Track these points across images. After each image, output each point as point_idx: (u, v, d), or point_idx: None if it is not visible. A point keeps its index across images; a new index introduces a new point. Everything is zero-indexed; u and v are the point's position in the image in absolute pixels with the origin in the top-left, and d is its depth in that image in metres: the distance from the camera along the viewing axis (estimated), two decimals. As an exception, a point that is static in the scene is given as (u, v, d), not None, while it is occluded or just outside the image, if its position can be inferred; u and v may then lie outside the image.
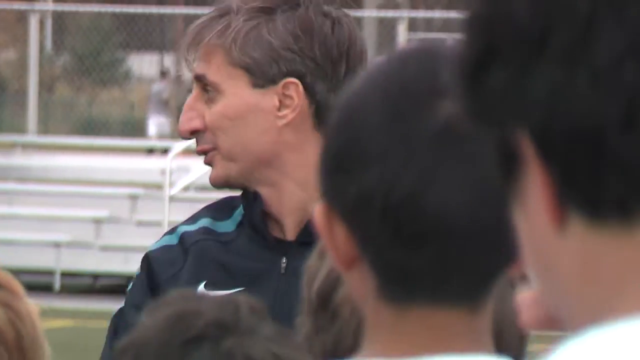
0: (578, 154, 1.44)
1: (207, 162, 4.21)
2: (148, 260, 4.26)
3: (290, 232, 4.16)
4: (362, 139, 2.21)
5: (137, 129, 36.62)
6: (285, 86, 4.06)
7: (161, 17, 44.31)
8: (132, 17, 39.45)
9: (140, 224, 25.80)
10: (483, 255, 2.20)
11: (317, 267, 2.93)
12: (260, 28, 4.02)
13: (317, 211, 2.24)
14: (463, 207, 2.15)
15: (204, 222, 4.24)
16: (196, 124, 4.09)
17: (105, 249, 24.98)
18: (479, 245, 2.18)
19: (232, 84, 4.00)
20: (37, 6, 37.70)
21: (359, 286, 2.26)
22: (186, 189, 26.80)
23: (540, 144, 1.46)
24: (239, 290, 3.56)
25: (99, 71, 37.84)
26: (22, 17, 32.80)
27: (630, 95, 1.41)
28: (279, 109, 4.08)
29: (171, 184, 25.34)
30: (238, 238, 4.08)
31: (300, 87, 4.06)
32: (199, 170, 27.40)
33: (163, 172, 25.68)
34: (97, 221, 25.91)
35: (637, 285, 1.46)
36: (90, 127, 33.78)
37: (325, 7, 4.09)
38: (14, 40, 32.67)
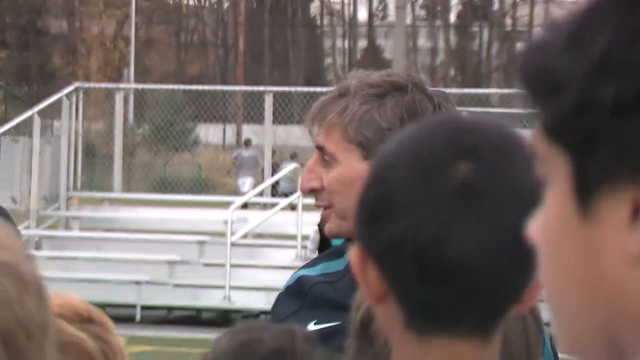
0: None
1: (324, 217, 3.96)
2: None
3: None
4: (393, 193, 2.18)
5: (203, 186, 36.18)
6: None
7: (224, 93, 44.02)
8: (200, 94, 39.07)
9: (207, 265, 25.29)
10: (495, 294, 2.18)
11: (362, 299, 2.75)
12: (373, 112, 3.87)
13: (353, 254, 2.21)
14: (479, 253, 2.12)
15: (321, 267, 4.08)
16: (315, 184, 3.94)
17: (177, 286, 24.61)
18: (492, 285, 2.16)
19: (347, 156, 3.90)
20: (122, 85, 37.64)
21: (387, 319, 2.23)
22: (245, 236, 26.22)
23: None
24: (338, 324, 3.45)
25: (172, 139, 37.35)
26: (109, 95, 32.49)
27: None
28: None
29: (232, 232, 25.01)
30: (345, 277, 3.83)
31: None
32: (255, 220, 26.96)
33: (225, 222, 25.39)
34: (171, 263, 25.48)
35: None
36: (165, 185, 33.31)
37: (429, 91, 3.99)
38: (103, 114, 32.34)
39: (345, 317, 3.21)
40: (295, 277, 4.03)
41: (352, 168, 3.85)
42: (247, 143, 41.61)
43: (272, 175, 29.15)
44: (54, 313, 2.46)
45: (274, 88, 34.44)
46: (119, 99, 31.33)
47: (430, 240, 2.10)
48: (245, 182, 36.74)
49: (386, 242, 2.14)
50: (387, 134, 3.76)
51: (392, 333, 2.22)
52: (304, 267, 4.14)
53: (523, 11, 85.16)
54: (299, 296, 3.92)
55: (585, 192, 1.50)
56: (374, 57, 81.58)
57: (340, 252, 3.98)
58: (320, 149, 3.88)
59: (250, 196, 28.03)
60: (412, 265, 2.12)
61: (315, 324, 3.71)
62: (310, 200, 22.30)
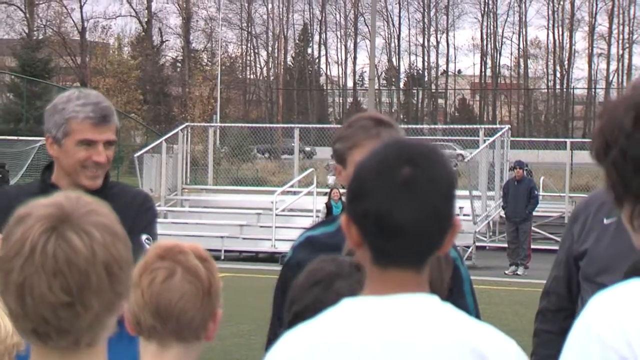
0: None
1: None
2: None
3: None
4: (363, 183, 2.16)
5: (259, 181, 35.84)
6: None
7: (270, 129, 43.99)
8: (257, 129, 39.08)
9: (262, 227, 24.79)
10: (423, 244, 2.15)
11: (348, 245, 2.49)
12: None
13: (343, 218, 2.20)
14: (413, 221, 2.10)
15: (320, 229, 3.71)
16: None
17: (245, 239, 24.18)
18: (420, 239, 2.13)
19: None
20: (213, 124, 37.52)
21: (362, 257, 2.19)
22: (283, 210, 26.07)
23: None
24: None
25: (241, 155, 37.40)
26: (205, 130, 32.47)
27: None
28: None
29: (276, 208, 24.99)
30: (338, 234, 3.29)
31: None
32: (289, 201, 26.80)
33: (272, 202, 25.11)
34: (241, 226, 24.96)
35: None
36: (237, 181, 32.98)
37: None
38: (201, 141, 32.16)
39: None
40: (305, 236, 3.70)
41: None
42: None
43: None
44: (187, 250, 2.51)
45: (300, 125, 34.40)
46: (211, 132, 31.46)
47: (384, 213, 2.11)
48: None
49: (360, 213, 2.15)
50: None
51: (365, 266, 2.20)
52: (309, 229, 3.80)
53: (442, 80, 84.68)
54: (310, 248, 3.54)
55: None
56: (356, 108, 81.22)
57: (332, 220, 3.73)
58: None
59: (287, 187, 27.92)
60: (373, 227, 2.13)
61: None
62: (320, 190, 21.93)
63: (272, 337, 3.48)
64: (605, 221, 3.58)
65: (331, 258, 2.66)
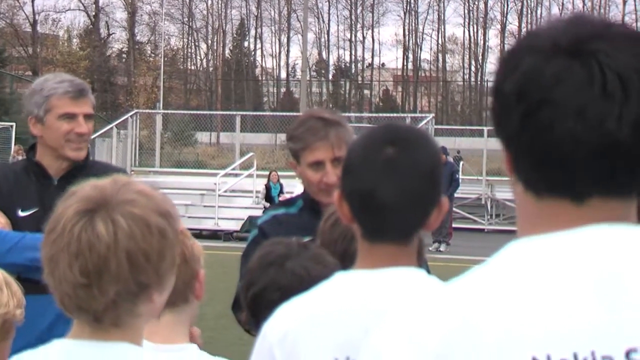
0: None
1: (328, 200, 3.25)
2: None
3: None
4: (351, 162, 2.15)
5: (200, 164, 35.69)
6: None
7: (210, 116, 43.63)
8: (197, 116, 38.75)
9: (205, 207, 24.89)
10: (409, 220, 2.12)
11: (326, 221, 2.66)
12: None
13: (335, 194, 2.17)
14: (395, 198, 2.08)
15: (282, 210, 3.68)
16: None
17: (190, 217, 24.19)
18: (406, 214, 2.11)
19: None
20: (157, 111, 37.24)
21: (356, 231, 2.16)
22: (225, 191, 26.00)
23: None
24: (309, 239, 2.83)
25: (182, 140, 37.52)
26: (150, 116, 32.29)
27: None
28: None
29: (219, 189, 24.93)
30: (301, 215, 3.56)
31: None
32: (231, 182, 27.01)
33: (215, 183, 25.08)
34: (186, 205, 24.93)
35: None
36: (180, 164, 33.00)
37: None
38: (147, 127, 31.94)
39: (309, 235, 3.02)
40: (271, 215, 3.67)
41: None
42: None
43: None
44: None
45: (240, 112, 34.29)
46: (158, 118, 31.22)
47: (367, 191, 2.09)
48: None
49: (348, 191, 2.14)
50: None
51: (358, 241, 2.17)
52: (271, 209, 3.79)
53: (367, 72, 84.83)
54: (278, 225, 3.54)
55: None
56: (289, 98, 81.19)
57: (292, 202, 3.69)
58: (338, 159, 3.39)
59: (229, 169, 27.81)
60: (360, 204, 2.11)
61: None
62: (260, 172, 21.65)
63: (236, 300, 3.44)
64: None
65: (279, 240, 2.63)
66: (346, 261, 2.38)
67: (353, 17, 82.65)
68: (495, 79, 1.43)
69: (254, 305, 2.44)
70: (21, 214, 3.88)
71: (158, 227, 1.85)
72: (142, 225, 1.83)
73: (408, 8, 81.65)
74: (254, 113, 47.41)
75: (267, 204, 23.82)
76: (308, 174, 3.52)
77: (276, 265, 2.47)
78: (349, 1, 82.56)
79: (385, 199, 2.08)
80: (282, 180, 24.48)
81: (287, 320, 2.15)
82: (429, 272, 3.43)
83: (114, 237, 1.80)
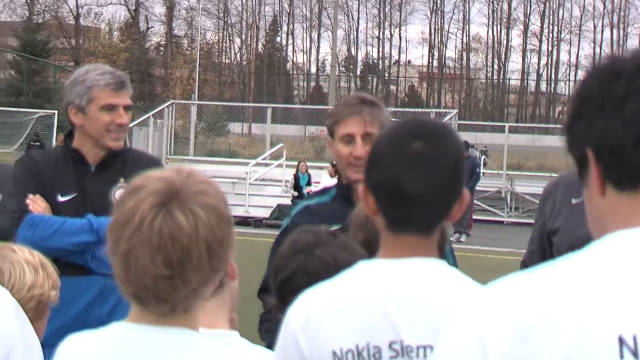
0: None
1: (358, 177, 3.30)
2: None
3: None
4: (378, 156, 2.12)
5: (233, 154, 35.64)
6: None
7: (243, 108, 43.49)
8: (231, 108, 38.39)
9: (237, 195, 24.79)
10: (433, 212, 2.10)
11: (358, 212, 2.64)
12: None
13: (361, 187, 2.14)
14: (421, 191, 2.06)
15: (316, 200, 3.61)
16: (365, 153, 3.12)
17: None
18: (431, 207, 2.09)
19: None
20: (193, 102, 37.27)
21: (379, 224, 2.14)
22: (256, 180, 25.95)
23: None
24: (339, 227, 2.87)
25: (216, 129, 37.68)
26: (186, 107, 32.22)
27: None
28: None
29: (250, 178, 24.85)
30: (334, 203, 3.53)
31: None
32: (262, 172, 26.80)
33: (246, 172, 25.05)
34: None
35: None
36: (213, 153, 33.00)
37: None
38: (183, 117, 31.81)
39: (339, 223, 3.03)
40: (304, 205, 3.61)
41: None
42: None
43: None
44: None
45: (272, 105, 34.29)
46: (194, 109, 31.21)
47: (394, 183, 2.07)
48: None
49: (374, 183, 2.11)
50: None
51: (382, 232, 2.15)
52: (306, 199, 3.72)
53: (394, 69, 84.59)
54: (310, 215, 3.48)
55: None
56: (318, 92, 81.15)
57: (326, 191, 3.67)
58: (368, 133, 3.39)
59: (260, 159, 27.77)
60: (385, 196, 2.09)
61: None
62: (290, 163, 21.61)
63: (263, 286, 3.45)
64: (573, 201, 3.54)
65: (309, 229, 2.60)
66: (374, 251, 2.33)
67: (382, 16, 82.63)
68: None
69: (283, 290, 2.40)
70: (61, 199, 3.87)
71: (227, 215, 1.85)
72: (216, 214, 1.81)
73: (435, 8, 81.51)
74: (285, 106, 47.32)
75: (296, 193, 23.84)
76: (339, 148, 3.47)
77: (305, 252, 2.44)
78: (378, 0, 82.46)
79: (412, 191, 2.06)
80: (310, 171, 24.46)
81: (310, 306, 2.13)
82: (455, 261, 3.43)
83: (195, 228, 1.77)
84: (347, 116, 3.47)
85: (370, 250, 2.38)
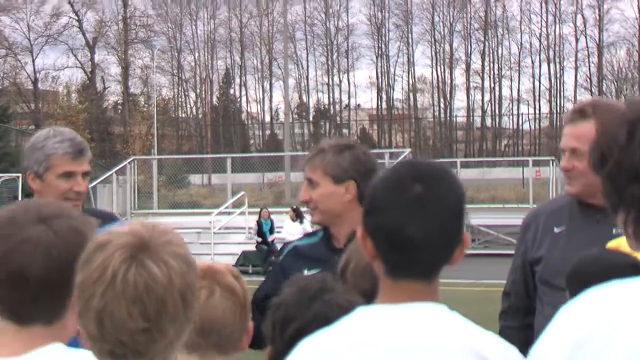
0: None
1: (311, 214, 3.62)
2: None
3: (341, 243, 3.48)
4: (377, 200, 2.00)
5: (194, 205, 35.56)
6: (347, 185, 3.51)
7: (201, 159, 43.51)
8: (189, 160, 38.44)
9: (202, 244, 24.79)
10: (434, 257, 1.99)
11: (348, 254, 2.58)
12: (338, 158, 3.59)
13: (359, 231, 2.04)
14: (422, 236, 1.95)
15: (304, 240, 3.78)
16: (307, 197, 3.54)
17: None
18: (430, 253, 1.98)
19: (324, 182, 3.53)
20: (152, 157, 37.06)
21: (377, 269, 2.04)
22: (220, 228, 25.88)
23: None
24: (319, 270, 2.99)
25: (176, 182, 37.69)
26: (146, 162, 32.28)
27: None
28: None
29: (214, 227, 24.73)
30: (319, 245, 3.61)
31: (354, 184, 3.51)
32: (225, 220, 27.00)
33: (210, 222, 25.01)
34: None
35: None
36: (175, 205, 32.95)
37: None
38: (144, 172, 31.81)
39: (319, 266, 3.19)
40: (293, 246, 3.75)
41: (327, 188, 3.54)
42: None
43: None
44: (224, 270, 2.36)
45: (231, 155, 34.25)
46: (154, 164, 31.05)
47: (395, 228, 1.96)
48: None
49: (373, 227, 2.00)
50: (347, 171, 3.54)
51: (380, 277, 2.04)
52: (298, 240, 3.83)
53: (345, 113, 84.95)
54: (295, 256, 3.63)
55: None
56: (274, 139, 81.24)
57: (312, 235, 3.74)
58: (309, 179, 3.57)
59: (222, 209, 27.62)
60: (385, 241, 1.98)
61: (307, 270, 3.34)
62: (251, 209, 21.50)
63: (258, 294, 3.54)
64: (555, 230, 3.50)
65: (310, 276, 2.52)
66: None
67: (329, 63, 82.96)
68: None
69: (296, 341, 2.21)
70: None
71: (194, 262, 1.80)
72: (186, 263, 1.76)
73: (379, 52, 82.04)
74: (243, 155, 47.33)
75: (259, 239, 23.67)
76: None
77: (319, 299, 2.33)
78: (325, 48, 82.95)
79: (414, 236, 1.95)
80: (272, 217, 24.33)
81: (307, 355, 2.02)
82: None
83: (169, 278, 1.71)
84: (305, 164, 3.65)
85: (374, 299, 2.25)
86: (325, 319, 2.23)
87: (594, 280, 2.30)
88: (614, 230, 3.29)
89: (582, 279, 2.48)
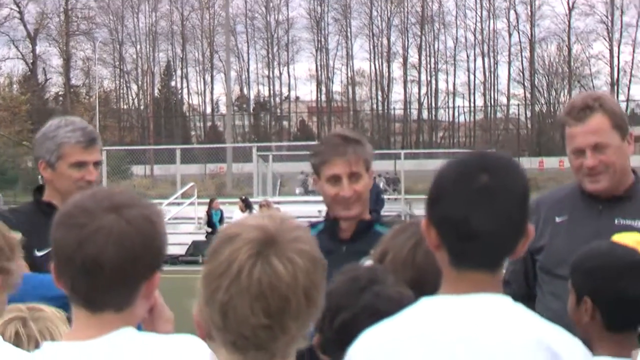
0: None
1: (351, 213, 3.43)
2: None
3: (347, 235, 3.43)
4: (443, 189, 1.97)
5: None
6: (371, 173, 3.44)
7: (144, 150, 42.99)
8: (132, 151, 37.92)
9: None
10: (497, 249, 1.96)
11: (383, 250, 2.51)
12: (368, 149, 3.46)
13: (423, 221, 2.01)
14: (489, 227, 1.91)
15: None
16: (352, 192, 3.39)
17: None
18: (495, 244, 1.94)
19: (364, 174, 3.41)
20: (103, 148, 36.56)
21: (440, 259, 1.99)
22: (169, 218, 25.82)
23: None
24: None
25: (120, 173, 37.30)
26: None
27: None
28: None
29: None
30: (321, 238, 3.54)
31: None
32: (175, 210, 26.88)
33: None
34: None
35: None
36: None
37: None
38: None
39: (328, 257, 3.10)
40: None
41: (368, 180, 3.42)
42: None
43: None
44: None
45: (180, 146, 33.96)
46: (104, 154, 30.56)
47: (461, 218, 1.93)
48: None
49: (438, 216, 1.98)
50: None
51: (443, 268, 2.01)
52: None
53: (285, 105, 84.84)
54: None
55: None
56: (214, 131, 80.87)
57: (314, 226, 3.59)
58: (354, 173, 3.39)
59: (171, 199, 27.38)
60: (451, 231, 1.95)
61: None
62: (201, 200, 21.41)
63: None
64: (557, 219, 3.47)
65: (362, 266, 2.43)
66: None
67: (270, 56, 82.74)
68: None
69: (344, 330, 2.20)
70: (38, 253, 3.66)
71: (321, 260, 1.78)
72: (312, 260, 1.75)
73: (319, 46, 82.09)
74: (191, 146, 46.97)
75: (209, 229, 23.51)
76: (325, 188, 3.45)
77: (368, 290, 2.26)
78: (266, 41, 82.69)
79: (480, 227, 1.92)
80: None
81: (372, 344, 1.98)
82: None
83: (293, 276, 1.70)
84: (332, 157, 3.42)
85: (420, 288, 2.20)
86: (374, 310, 2.20)
87: (599, 274, 2.39)
88: (616, 221, 3.32)
89: (587, 271, 2.49)
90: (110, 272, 1.86)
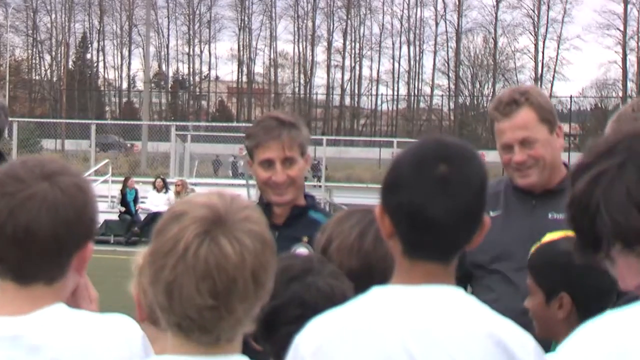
0: None
1: (284, 199, 3.41)
2: None
3: (280, 220, 3.42)
4: (399, 177, 1.96)
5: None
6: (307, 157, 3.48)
7: (54, 124, 42.15)
8: (41, 123, 37.17)
9: None
10: (452, 239, 1.97)
11: (321, 235, 2.49)
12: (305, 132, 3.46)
13: (377, 208, 2.00)
14: (445, 216, 1.91)
15: None
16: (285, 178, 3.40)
17: None
18: (451, 234, 1.95)
19: (299, 159, 3.43)
20: (14, 120, 35.80)
21: (393, 248, 2.00)
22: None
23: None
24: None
25: (30, 146, 36.59)
26: None
27: None
28: None
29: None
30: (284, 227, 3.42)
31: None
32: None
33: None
34: None
35: None
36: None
37: None
38: None
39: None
40: None
41: (302, 165, 3.42)
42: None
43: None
44: None
45: (97, 122, 33.38)
46: (15, 126, 29.97)
47: (417, 207, 1.92)
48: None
49: (393, 205, 1.97)
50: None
51: (396, 257, 2.01)
52: None
53: (204, 84, 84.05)
54: None
55: None
56: (130, 108, 79.89)
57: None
58: (288, 157, 3.39)
59: (86, 175, 26.84)
60: (406, 220, 1.95)
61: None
62: (115, 178, 21.02)
63: None
64: (491, 214, 3.47)
65: (293, 255, 2.44)
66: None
67: (191, 33, 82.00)
68: None
69: (272, 319, 2.21)
70: None
71: (271, 241, 1.76)
72: (261, 241, 1.72)
73: (242, 25, 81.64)
74: (100, 122, 46.19)
75: (123, 209, 23.23)
76: (258, 172, 3.42)
77: (299, 280, 2.25)
78: (187, 17, 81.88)
79: (436, 216, 1.92)
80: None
81: (321, 333, 1.97)
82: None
83: (241, 256, 1.67)
84: (266, 141, 3.39)
85: (368, 277, 2.20)
86: (301, 301, 2.20)
87: (578, 269, 2.34)
88: (549, 215, 3.36)
89: (563, 267, 2.48)
90: (43, 242, 1.84)
